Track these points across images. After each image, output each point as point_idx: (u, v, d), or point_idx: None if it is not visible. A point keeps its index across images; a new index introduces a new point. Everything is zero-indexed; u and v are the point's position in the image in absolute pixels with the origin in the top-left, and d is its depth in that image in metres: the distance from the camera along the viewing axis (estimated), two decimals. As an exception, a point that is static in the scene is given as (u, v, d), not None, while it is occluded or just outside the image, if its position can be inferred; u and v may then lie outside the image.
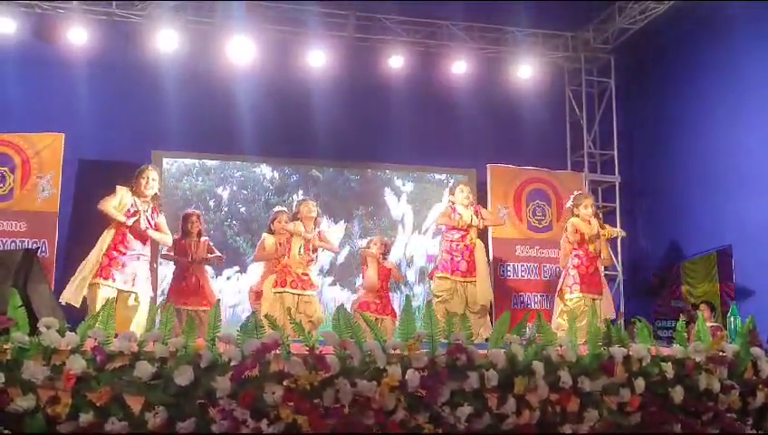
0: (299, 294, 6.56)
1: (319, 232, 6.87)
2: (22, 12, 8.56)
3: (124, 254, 6.15)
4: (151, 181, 6.38)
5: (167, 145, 9.02)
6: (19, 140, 8.20)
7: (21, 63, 8.66)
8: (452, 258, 7.01)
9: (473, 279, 6.97)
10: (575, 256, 6.91)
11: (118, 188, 6.33)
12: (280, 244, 6.97)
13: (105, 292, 5.94)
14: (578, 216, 6.95)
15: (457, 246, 7.01)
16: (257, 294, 7.03)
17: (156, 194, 6.45)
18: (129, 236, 6.20)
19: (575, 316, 4.77)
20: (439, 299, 6.85)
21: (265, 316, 3.49)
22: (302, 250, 6.67)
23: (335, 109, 9.10)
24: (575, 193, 7.30)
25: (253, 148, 9.08)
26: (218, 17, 8.98)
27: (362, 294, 7.54)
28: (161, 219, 6.49)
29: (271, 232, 7.16)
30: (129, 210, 6.24)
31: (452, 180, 9.98)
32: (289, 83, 9.12)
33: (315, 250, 6.83)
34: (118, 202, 6.24)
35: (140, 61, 8.83)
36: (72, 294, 5.99)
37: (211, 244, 7.40)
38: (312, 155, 9.44)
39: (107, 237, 6.19)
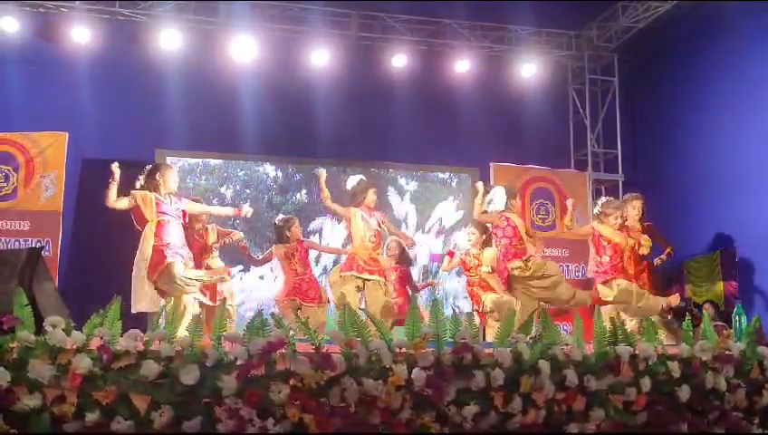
0: (365, 279, 6.42)
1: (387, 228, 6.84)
2: (25, 11, 8.57)
3: None
4: (171, 181, 5.91)
5: (170, 144, 9.02)
6: (22, 140, 8.22)
7: (24, 63, 8.67)
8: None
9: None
10: None
11: (133, 193, 5.77)
12: (292, 254, 6.93)
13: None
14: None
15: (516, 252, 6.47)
16: (281, 303, 6.94)
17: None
18: None
19: None
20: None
21: (271, 315, 3.48)
22: (370, 237, 6.53)
23: (338, 108, 9.10)
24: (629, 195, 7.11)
25: (256, 147, 9.10)
26: (221, 16, 8.99)
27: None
28: (185, 204, 6.04)
29: (285, 240, 7.04)
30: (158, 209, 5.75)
31: (455, 179, 9.99)
32: (292, 82, 9.12)
33: (379, 237, 6.65)
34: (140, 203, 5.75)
35: (144, 60, 8.83)
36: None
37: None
38: (316, 154, 9.42)
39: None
